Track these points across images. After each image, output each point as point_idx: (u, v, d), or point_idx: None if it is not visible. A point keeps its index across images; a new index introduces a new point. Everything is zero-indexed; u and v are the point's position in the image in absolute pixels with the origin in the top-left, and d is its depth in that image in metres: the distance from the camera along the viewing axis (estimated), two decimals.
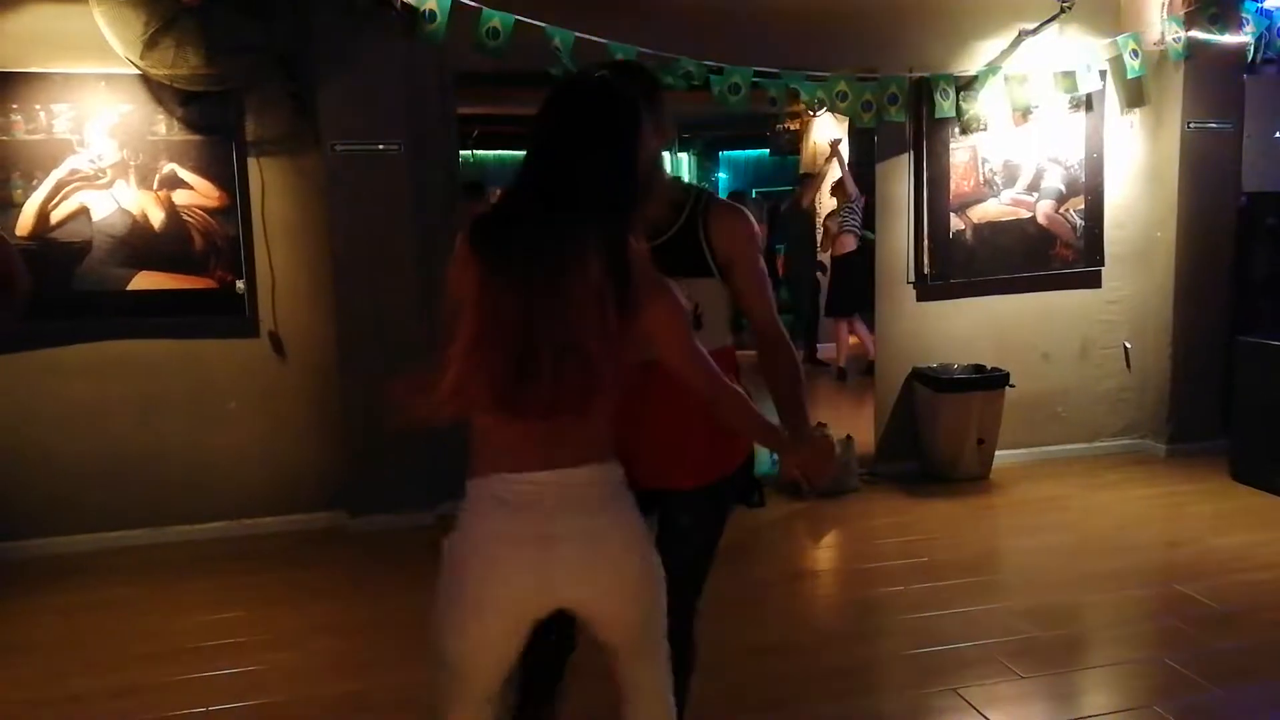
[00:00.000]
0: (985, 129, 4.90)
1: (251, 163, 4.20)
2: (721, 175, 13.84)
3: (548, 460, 1.67)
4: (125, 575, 3.93)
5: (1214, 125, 5.03)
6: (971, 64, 4.86)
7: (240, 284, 4.24)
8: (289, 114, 4.18)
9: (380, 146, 4.15)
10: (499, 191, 2.28)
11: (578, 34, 4.07)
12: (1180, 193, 5.03)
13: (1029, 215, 5.01)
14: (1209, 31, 4.83)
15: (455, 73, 4.38)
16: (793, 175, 10.64)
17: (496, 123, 10.74)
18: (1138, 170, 5.18)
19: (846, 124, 8.77)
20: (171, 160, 4.12)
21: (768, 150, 11.39)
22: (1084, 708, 2.76)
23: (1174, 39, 4.80)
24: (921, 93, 4.75)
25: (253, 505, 4.37)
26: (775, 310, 2.12)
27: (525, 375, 1.60)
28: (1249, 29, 4.88)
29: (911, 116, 4.79)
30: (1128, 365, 5.24)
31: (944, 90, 4.74)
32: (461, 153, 9.85)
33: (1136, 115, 5.14)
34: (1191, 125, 4.99)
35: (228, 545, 4.24)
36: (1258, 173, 5.17)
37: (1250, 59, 5.00)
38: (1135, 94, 5.11)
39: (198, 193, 4.17)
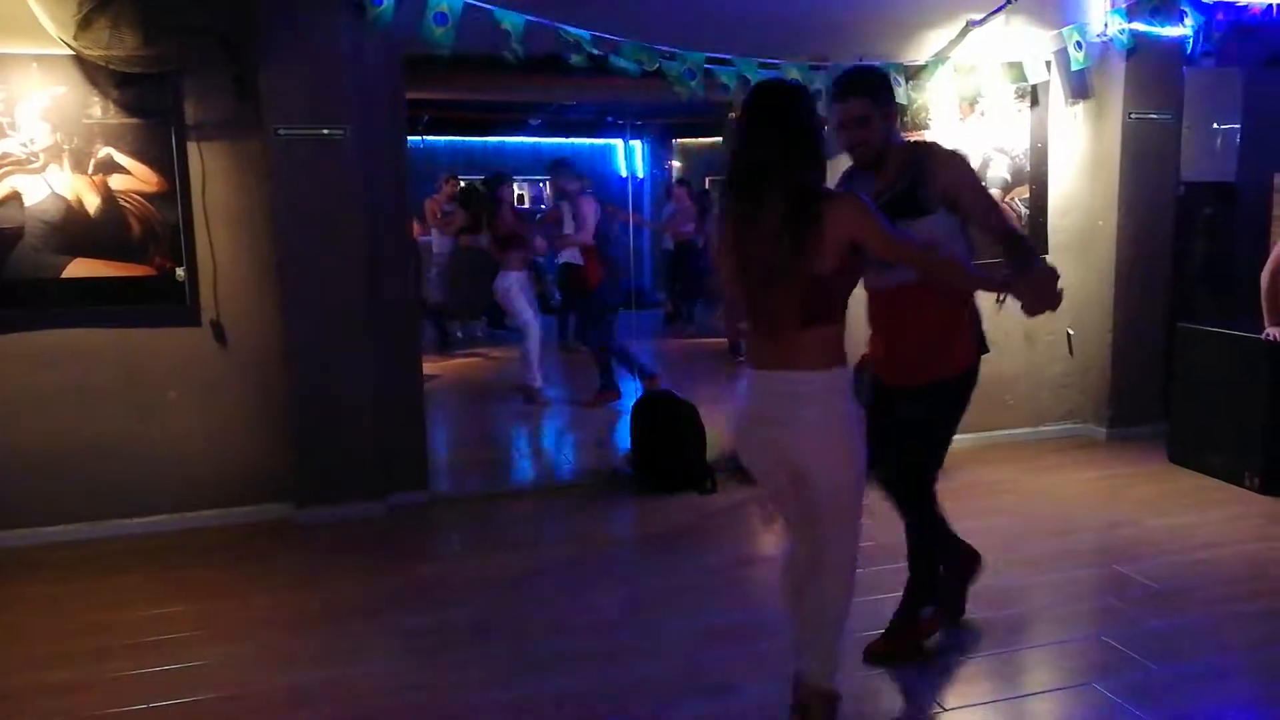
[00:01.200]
0: (932, 119, 4.95)
1: (191, 147, 4.10)
2: (675, 163, 13.84)
3: (767, 362, 2.32)
4: (62, 571, 3.83)
5: (1154, 116, 5.14)
6: (920, 54, 4.91)
7: (180, 271, 4.14)
8: (230, 97, 4.08)
9: (325, 131, 4.07)
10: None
11: (529, 18, 4.03)
12: (1121, 182, 5.14)
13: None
14: (1150, 24, 4.93)
15: (404, 56, 4.31)
16: None
17: (449, 108, 10.61)
18: (1081, 160, 5.28)
19: None
20: (107, 144, 4.01)
21: (721, 139, 11.39)
22: (1026, 686, 2.82)
23: (1119, 31, 4.90)
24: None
25: (195, 498, 4.29)
26: (1002, 214, 2.78)
27: (751, 301, 2.29)
28: (1188, 22, 4.99)
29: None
30: (1070, 351, 5.35)
31: (895, 79, 4.77)
32: (412, 138, 9.74)
33: (1080, 106, 5.23)
34: (1133, 116, 5.10)
35: (169, 539, 4.15)
36: (1196, 163, 5.30)
37: (1189, 51, 5.12)
38: (1080, 85, 5.20)
39: (135, 178, 4.06)
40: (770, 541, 4.28)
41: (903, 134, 2.80)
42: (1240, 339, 4.49)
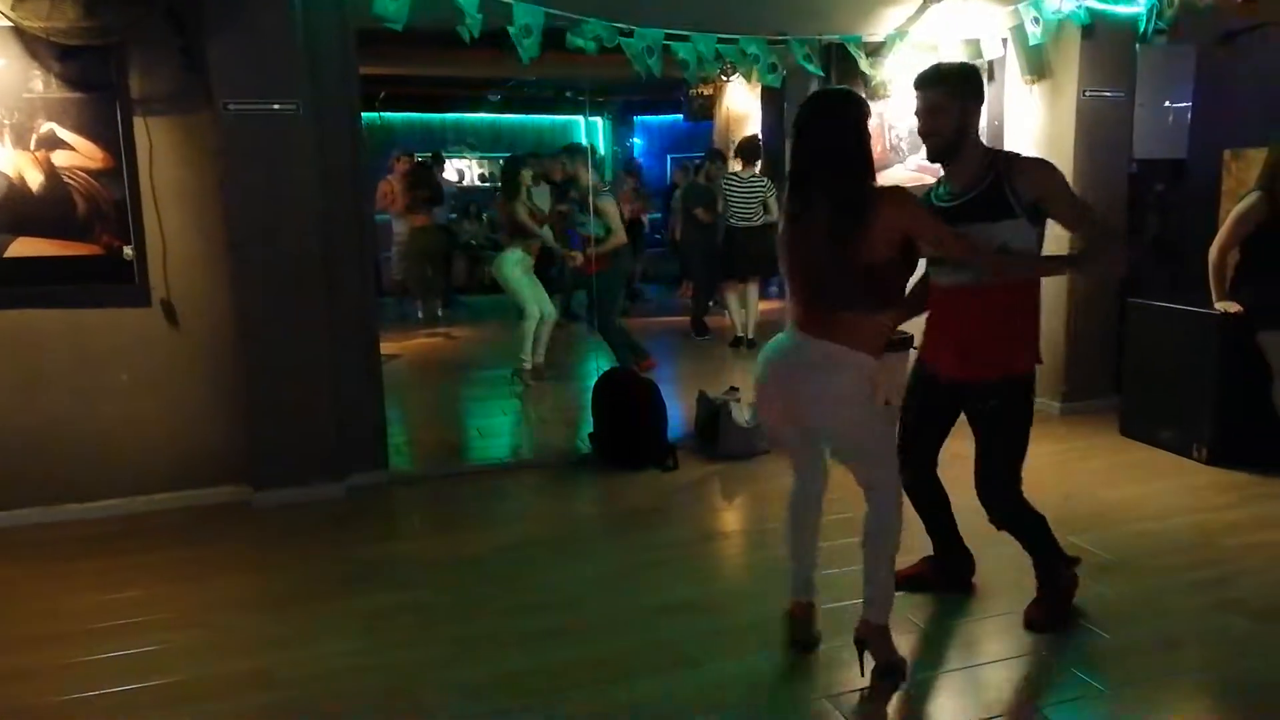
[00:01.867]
0: (890, 95, 4.97)
1: (138, 122, 3.99)
2: (636, 140, 13.78)
3: (812, 329, 2.55)
4: (12, 556, 3.75)
5: (1108, 94, 5.20)
6: (879, 29, 4.91)
7: (128, 250, 4.04)
8: (177, 71, 3.98)
9: (276, 106, 3.98)
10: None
11: None
12: (1075, 159, 5.20)
13: (933, 181, 5.10)
14: (1105, 1, 4.97)
15: (357, 30, 4.22)
16: (706, 141, 10.66)
17: (405, 84, 10.46)
18: (1036, 137, 5.33)
19: (759, 91, 8.83)
20: (50, 119, 3.89)
21: (681, 115, 11.37)
22: (980, 655, 2.87)
23: (1075, 6, 4.93)
24: (832, 58, 4.78)
25: (149, 481, 4.21)
26: (1090, 214, 2.85)
27: (797, 284, 2.59)
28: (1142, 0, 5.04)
29: (820, 83, 4.82)
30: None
31: (858, 52, 4.78)
32: (368, 115, 9.58)
33: (1035, 83, 5.27)
34: (1087, 93, 5.15)
35: (123, 523, 4.08)
36: (1148, 140, 5.38)
37: (1143, 29, 5.17)
38: (1036, 62, 5.24)
39: (79, 154, 3.95)
40: (732, 518, 4.31)
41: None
42: (1189, 314, 4.58)
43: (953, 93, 2.72)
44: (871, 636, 2.68)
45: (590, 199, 6.51)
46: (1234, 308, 4.30)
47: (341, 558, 3.74)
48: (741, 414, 4.84)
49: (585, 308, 7.42)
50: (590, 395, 5.01)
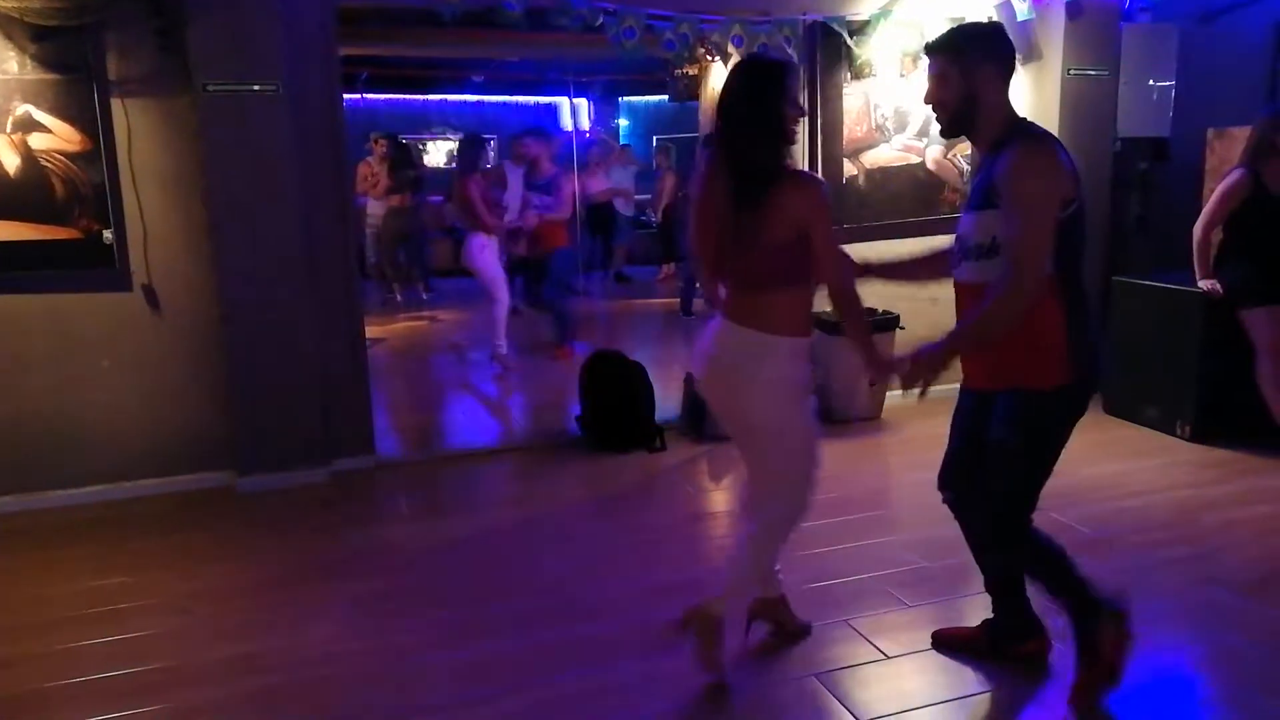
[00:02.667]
0: (875, 74, 4.95)
1: (115, 104, 3.93)
2: (623, 121, 13.71)
3: (737, 315, 2.49)
4: None
5: (1092, 72, 5.20)
6: (863, 8, 4.89)
7: (108, 234, 3.99)
8: (155, 52, 3.92)
9: (256, 87, 3.93)
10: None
11: None
12: (1060, 137, 5.17)
13: (919, 160, 5.11)
14: None
15: (337, 10, 4.17)
16: (693, 122, 10.61)
17: (387, 65, 10.36)
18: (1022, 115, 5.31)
19: None
20: (26, 101, 3.83)
21: (667, 96, 11.31)
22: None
23: None
24: (815, 37, 4.76)
25: (132, 467, 4.18)
26: (1020, 243, 2.23)
27: (718, 259, 2.52)
28: None
29: (806, 62, 4.80)
30: None
31: (842, 30, 4.76)
32: (350, 96, 9.49)
33: (1020, 62, 5.26)
34: (1071, 72, 5.15)
35: (107, 510, 4.05)
36: (1132, 119, 5.38)
37: (1126, 7, 5.17)
38: (1021, 41, 5.23)
39: (57, 136, 3.89)
40: (719, 499, 4.32)
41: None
42: (1173, 292, 4.61)
43: (953, 58, 2.34)
44: (696, 618, 2.60)
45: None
46: (1217, 286, 4.33)
47: (327, 542, 3.73)
48: None
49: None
50: (578, 378, 5.00)
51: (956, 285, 2.50)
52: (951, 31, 2.46)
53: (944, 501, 2.67)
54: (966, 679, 2.62)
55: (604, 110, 13.28)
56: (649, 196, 11.12)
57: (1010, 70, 2.39)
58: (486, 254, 6.48)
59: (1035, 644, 2.67)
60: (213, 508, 4.09)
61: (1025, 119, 2.41)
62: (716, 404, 2.64)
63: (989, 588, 2.69)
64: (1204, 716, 2.48)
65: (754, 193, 2.39)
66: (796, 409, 2.51)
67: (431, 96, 12.16)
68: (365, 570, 3.45)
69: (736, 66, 2.54)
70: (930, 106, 2.45)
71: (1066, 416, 2.39)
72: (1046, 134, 2.39)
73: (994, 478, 2.43)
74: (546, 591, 3.23)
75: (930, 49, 2.42)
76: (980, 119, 2.36)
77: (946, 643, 2.78)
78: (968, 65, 2.34)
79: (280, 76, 3.97)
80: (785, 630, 2.86)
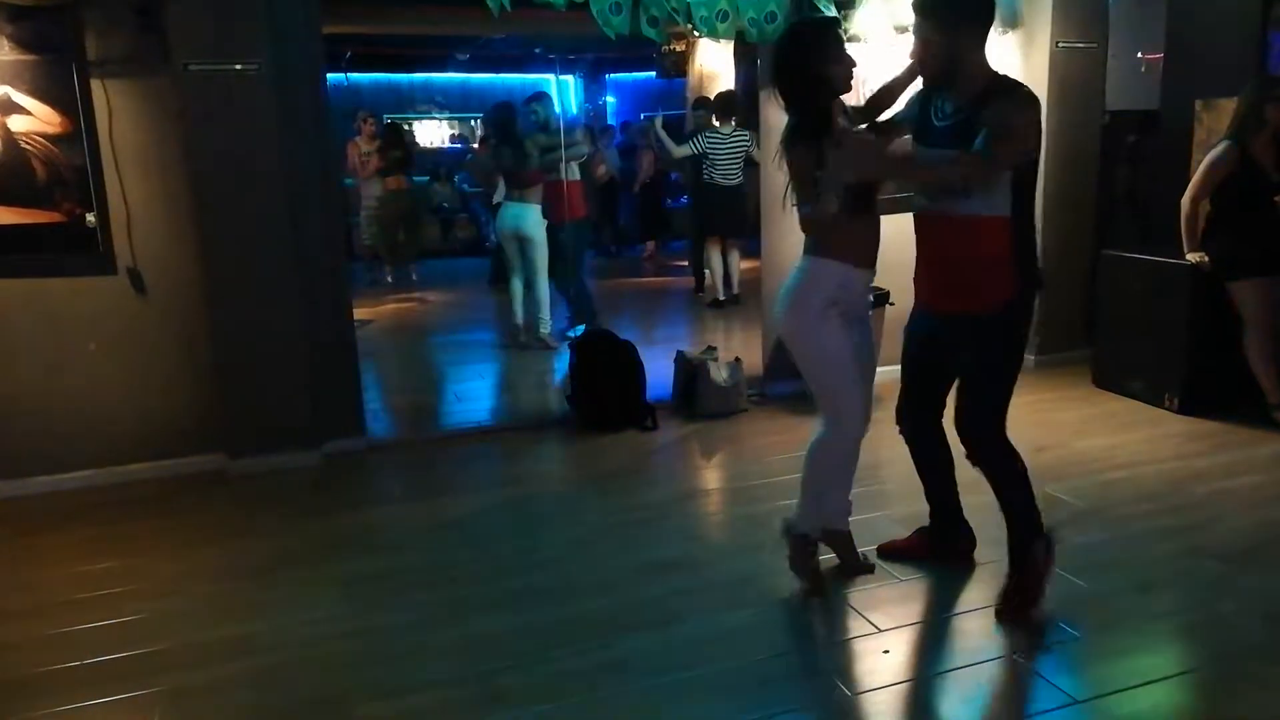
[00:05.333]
0: (864, 49, 4.91)
1: (95, 85, 3.87)
2: (610, 98, 13.63)
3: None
4: None
5: (1081, 45, 5.18)
6: None
7: (91, 217, 3.95)
8: (135, 31, 3.86)
9: (238, 67, 3.88)
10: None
11: None
12: (1049, 111, 5.18)
13: (907, 135, 5.08)
14: None
15: None
16: (680, 98, 10.56)
17: (373, 43, 10.26)
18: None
19: (732, 47, 8.73)
20: (4, 83, 3.77)
21: (655, 73, 11.24)
22: (957, 605, 2.91)
23: None
24: (803, 9, 4.71)
25: (121, 452, 4.16)
26: (994, 156, 2.51)
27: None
28: None
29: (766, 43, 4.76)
30: None
31: (826, 4, 4.71)
32: (335, 75, 9.40)
33: (1009, 35, 5.24)
34: (1060, 45, 5.13)
35: (97, 494, 4.03)
36: (1120, 91, 5.38)
37: None
38: (1010, 14, 5.20)
39: (36, 118, 3.83)
40: (712, 476, 4.33)
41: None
42: (1161, 264, 4.62)
43: (938, 24, 2.60)
44: (787, 538, 2.99)
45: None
46: (1204, 258, 4.34)
47: (319, 524, 3.73)
48: (719, 373, 4.84)
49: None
50: (569, 357, 4.99)
51: (920, 219, 2.79)
52: None
53: (901, 433, 2.99)
54: (960, 651, 2.65)
55: (591, 87, 13.18)
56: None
57: (989, 28, 2.69)
58: (541, 228, 6.35)
59: (966, 544, 3.11)
60: (203, 491, 4.07)
61: (1003, 74, 2.69)
62: None
63: (931, 499, 3.10)
64: (1195, 684, 2.50)
65: (785, 143, 2.73)
66: (811, 324, 2.75)
67: (417, 75, 12.05)
68: (358, 551, 3.45)
69: (781, 36, 2.87)
70: (914, 61, 2.72)
71: (1023, 322, 2.72)
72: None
73: (970, 397, 2.72)
74: (540, 570, 3.24)
75: (914, 10, 2.67)
76: (961, 75, 2.61)
77: (891, 553, 3.15)
78: (950, 27, 2.59)
79: (262, 55, 3.92)
80: (846, 565, 3.07)
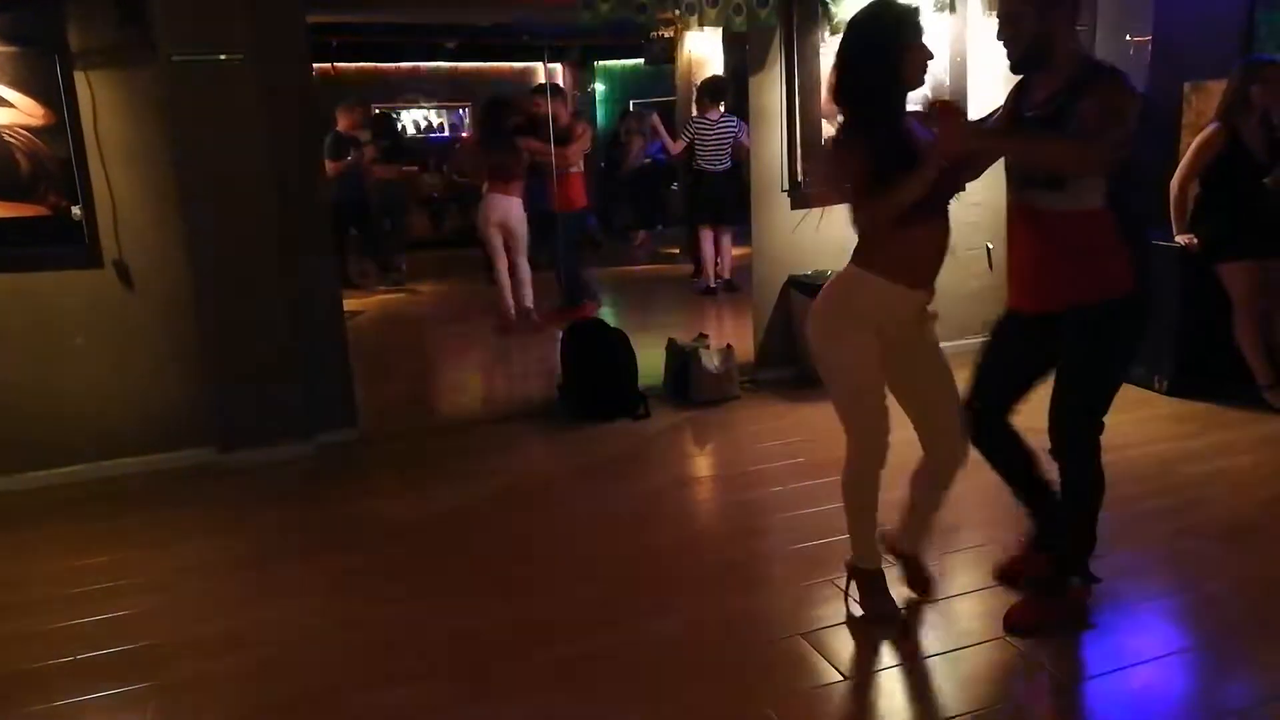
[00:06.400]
0: None
1: (79, 76, 3.83)
2: (599, 86, 13.56)
3: None
4: None
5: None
6: None
7: (76, 210, 3.91)
8: (117, 22, 3.82)
9: (223, 57, 3.84)
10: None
11: None
12: None
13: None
14: None
15: None
16: (669, 85, 10.52)
17: (358, 32, 10.18)
18: (999, 73, 5.27)
19: (721, 34, 8.69)
20: None
21: (644, 60, 11.19)
22: (947, 588, 2.91)
23: None
24: None
25: (112, 446, 4.14)
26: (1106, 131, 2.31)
27: None
28: None
29: (782, 22, 4.75)
30: (990, 266, 5.45)
31: None
32: (320, 65, 9.32)
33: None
34: None
35: (88, 489, 4.02)
36: None
37: None
38: None
39: (19, 111, 3.79)
40: (705, 464, 4.33)
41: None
42: (1150, 246, 4.61)
43: None
44: (850, 574, 2.79)
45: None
46: (1193, 240, 4.34)
47: (311, 517, 3.72)
48: (711, 360, 4.84)
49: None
50: (559, 347, 4.98)
51: (1016, 209, 2.58)
52: None
53: (969, 409, 2.70)
54: (951, 634, 2.65)
55: (579, 75, 13.11)
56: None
57: (1080, 8, 2.51)
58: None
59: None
60: (195, 484, 4.06)
61: (1098, 59, 2.52)
62: None
63: (1033, 506, 2.82)
64: (1186, 664, 2.51)
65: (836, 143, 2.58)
66: (834, 338, 2.54)
67: (404, 64, 11.96)
68: (351, 543, 3.44)
69: (859, 16, 2.46)
70: (1003, 43, 2.48)
71: (1139, 322, 2.51)
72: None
73: (1073, 393, 2.53)
74: (533, 560, 3.24)
75: None
76: (1055, 56, 2.41)
77: (1007, 575, 2.87)
78: (1046, 7, 2.39)
79: (247, 45, 3.88)
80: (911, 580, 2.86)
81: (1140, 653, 2.53)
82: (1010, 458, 2.79)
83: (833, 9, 4.78)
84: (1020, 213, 2.57)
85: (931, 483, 2.72)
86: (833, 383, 2.58)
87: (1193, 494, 3.49)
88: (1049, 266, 2.52)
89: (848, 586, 2.81)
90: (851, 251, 2.55)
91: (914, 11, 2.45)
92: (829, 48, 4.86)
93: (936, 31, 5.06)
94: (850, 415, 2.59)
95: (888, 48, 2.38)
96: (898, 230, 2.38)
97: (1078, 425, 2.55)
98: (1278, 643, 2.54)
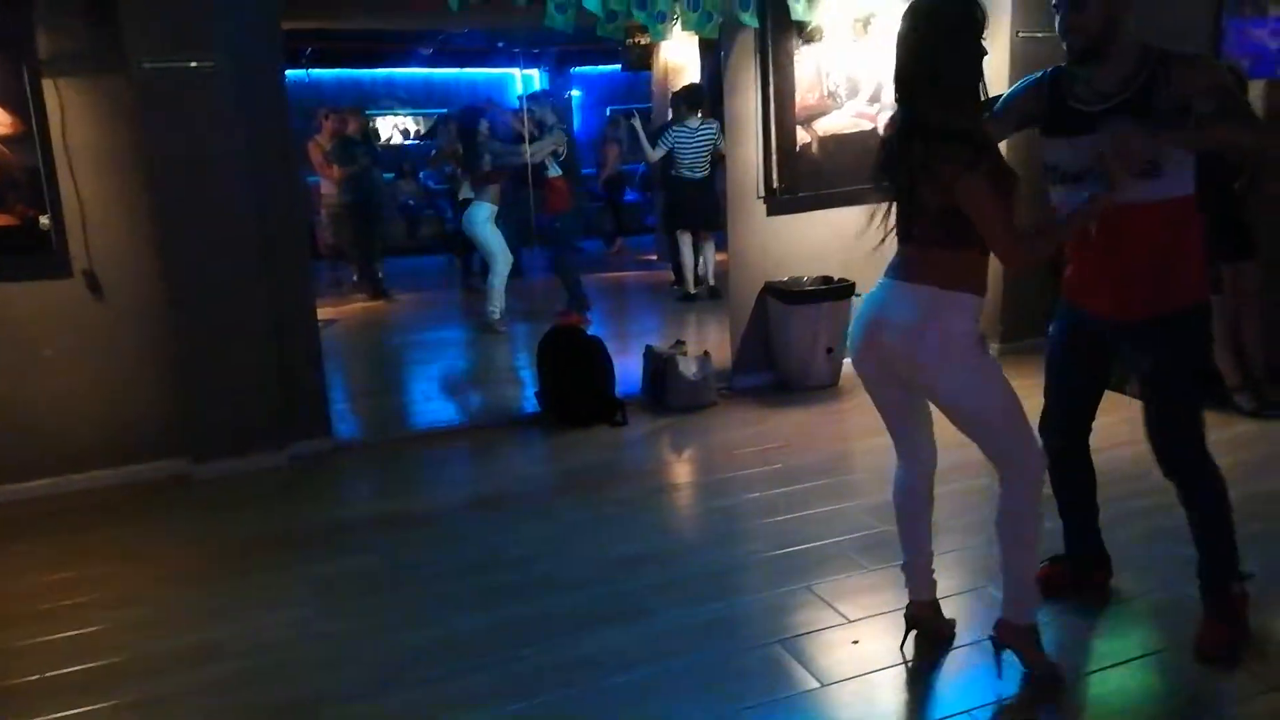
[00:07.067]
0: (826, 41, 4.93)
1: (47, 84, 3.78)
2: (575, 92, 13.56)
3: (900, 273, 2.30)
4: None
5: (1040, 35, 5.22)
6: None
7: (45, 220, 3.86)
8: (86, 28, 3.78)
9: (193, 64, 3.81)
10: None
11: None
12: None
13: (871, 127, 5.11)
14: None
15: None
16: (645, 92, 10.54)
17: (333, 39, 10.13)
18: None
19: (697, 40, 8.71)
20: None
21: (620, 65, 11.21)
22: None
23: None
24: (765, 2, 4.72)
25: (83, 458, 4.08)
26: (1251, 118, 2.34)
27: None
28: None
29: (757, 28, 4.77)
30: None
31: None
32: (296, 72, 9.27)
33: None
34: (1020, 34, 5.18)
35: (59, 502, 3.96)
36: None
37: None
38: None
39: None
40: (683, 471, 4.33)
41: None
42: None
43: None
44: (1010, 640, 2.40)
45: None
46: None
47: (286, 527, 3.69)
48: (689, 367, 4.84)
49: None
50: (536, 354, 4.97)
51: (1109, 210, 2.31)
52: None
53: (1048, 450, 2.53)
54: (928, 639, 2.66)
55: (556, 81, 13.11)
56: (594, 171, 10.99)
57: None
58: (489, 225, 6.82)
59: (1105, 573, 2.85)
60: (168, 496, 4.01)
61: (1150, 42, 2.38)
62: (877, 376, 2.40)
63: (1071, 525, 2.77)
64: (1169, 664, 2.53)
65: (919, 153, 2.17)
66: (977, 363, 2.26)
67: (379, 71, 11.92)
68: (325, 553, 3.42)
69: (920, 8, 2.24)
70: (1068, 34, 2.32)
71: (1210, 322, 2.47)
72: None
73: (1172, 405, 2.45)
74: (511, 567, 3.23)
75: None
76: (1116, 44, 2.30)
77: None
78: None
79: (218, 52, 3.85)
80: (935, 635, 2.62)
81: (1114, 655, 2.56)
82: (1086, 488, 2.75)
83: (804, 18, 4.80)
84: (1125, 208, 2.31)
85: (928, 494, 2.55)
86: (980, 419, 2.30)
87: (1167, 497, 3.46)
88: (1141, 268, 2.37)
89: (999, 651, 2.42)
90: (911, 267, 2.28)
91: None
92: (802, 55, 4.89)
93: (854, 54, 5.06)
94: (1013, 441, 2.31)
95: (977, 42, 2.17)
96: (976, 249, 2.21)
97: (1184, 438, 2.45)
98: (1250, 645, 2.56)
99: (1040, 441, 2.45)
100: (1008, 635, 2.40)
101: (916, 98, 2.19)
